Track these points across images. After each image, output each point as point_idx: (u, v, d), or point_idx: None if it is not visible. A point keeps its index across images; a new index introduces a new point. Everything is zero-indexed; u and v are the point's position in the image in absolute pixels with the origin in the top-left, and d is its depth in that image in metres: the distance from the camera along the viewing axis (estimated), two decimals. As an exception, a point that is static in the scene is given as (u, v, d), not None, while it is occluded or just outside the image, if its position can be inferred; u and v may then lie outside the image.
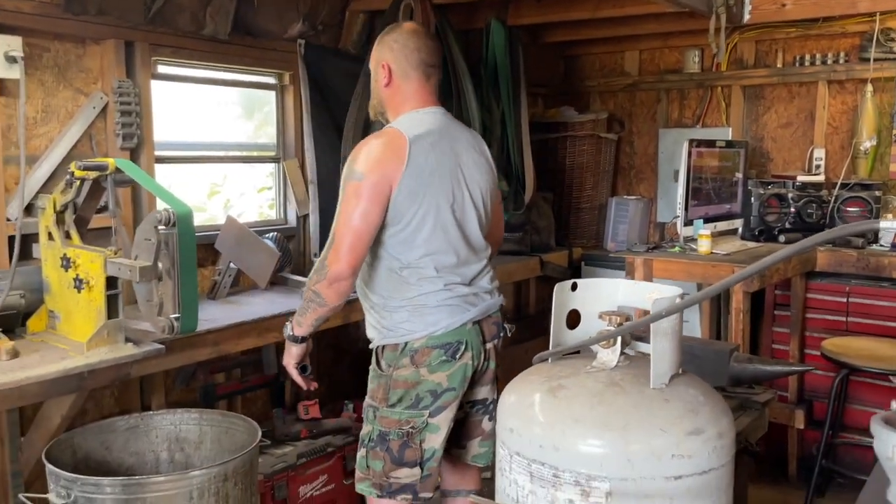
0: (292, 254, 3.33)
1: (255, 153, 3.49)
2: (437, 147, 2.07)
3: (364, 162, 2.02)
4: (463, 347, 2.08)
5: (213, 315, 2.63)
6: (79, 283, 2.11)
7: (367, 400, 2.17)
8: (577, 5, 3.61)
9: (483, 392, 2.23)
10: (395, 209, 2.02)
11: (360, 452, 2.17)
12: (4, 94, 2.43)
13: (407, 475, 2.08)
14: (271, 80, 3.40)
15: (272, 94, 3.44)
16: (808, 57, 3.98)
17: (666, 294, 1.41)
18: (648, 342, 1.49)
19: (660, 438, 1.30)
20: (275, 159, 3.47)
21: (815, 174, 3.90)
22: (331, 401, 3.36)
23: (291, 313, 2.75)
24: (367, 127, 3.32)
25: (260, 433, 2.24)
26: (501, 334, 2.22)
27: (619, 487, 1.26)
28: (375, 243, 2.08)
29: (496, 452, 1.52)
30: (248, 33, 3.11)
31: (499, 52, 3.69)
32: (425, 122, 2.10)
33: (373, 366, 2.17)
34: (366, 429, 2.16)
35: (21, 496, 2.00)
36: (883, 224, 0.89)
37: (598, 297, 1.59)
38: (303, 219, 3.48)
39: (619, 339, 1.44)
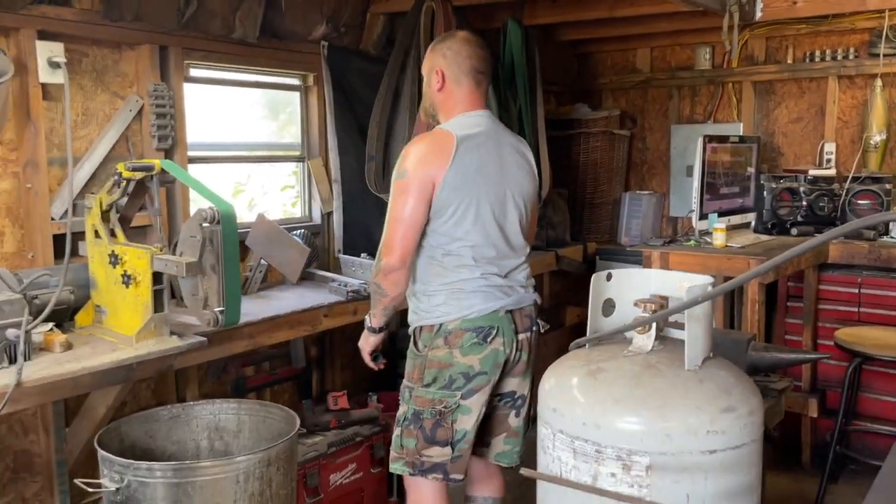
0: (318, 250, 3.43)
1: (280, 153, 3.58)
2: (483, 147, 2.19)
3: (410, 161, 2.16)
4: (494, 332, 2.18)
5: (246, 310, 2.71)
6: (126, 279, 2.20)
7: (404, 381, 2.29)
8: (593, 5, 3.69)
9: (512, 384, 2.30)
10: (439, 203, 2.14)
11: (396, 432, 2.28)
12: (47, 99, 2.52)
13: (438, 454, 2.19)
14: (296, 82, 3.49)
15: (296, 95, 3.53)
16: (818, 53, 4.05)
17: (697, 282, 1.50)
18: (678, 329, 1.58)
19: (695, 416, 1.39)
20: (299, 158, 3.56)
21: (826, 168, 3.98)
22: (355, 393, 3.46)
23: (321, 307, 2.89)
24: (391, 126, 3.42)
25: (298, 421, 2.33)
26: (534, 328, 2.31)
27: (658, 461, 1.35)
28: (424, 233, 2.21)
29: (538, 432, 1.62)
30: (274, 36, 3.20)
31: (515, 51, 3.77)
32: (474, 124, 2.23)
33: (410, 347, 2.29)
34: (402, 409, 2.27)
35: (77, 481, 2.09)
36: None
37: (632, 286, 1.68)
38: (327, 216, 3.57)
39: (654, 325, 1.53)
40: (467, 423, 2.19)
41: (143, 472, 2.05)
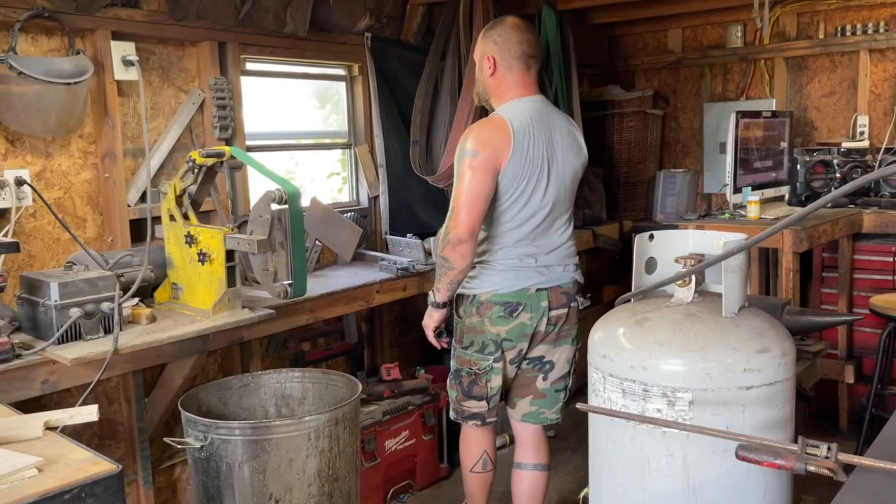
0: (367, 231, 3.62)
1: (328, 140, 3.77)
2: (536, 135, 2.32)
3: (476, 141, 2.27)
4: (521, 308, 2.37)
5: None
6: (202, 257, 2.40)
7: (454, 341, 2.53)
8: (625, -13, 3.80)
9: (540, 350, 2.48)
10: (499, 190, 2.28)
11: (448, 382, 2.60)
12: (121, 95, 2.73)
13: (475, 406, 2.48)
14: (342, 72, 3.67)
15: (342, 85, 3.71)
16: (848, 27, 4.11)
17: (732, 238, 1.64)
18: (715, 284, 1.73)
19: (733, 356, 1.54)
20: (346, 145, 3.75)
21: (859, 140, 4.05)
22: (403, 367, 3.65)
23: (374, 284, 3.08)
24: (433, 112, 3.58)
25: (360, 386, 2.52)
26: (572, 304, 2.45)
27: (699, 397, 1.50)
28: None
29: (589, 377, 1.78)
30: (322, 29, 3.38)
31: (550, 35, 3.90)
32: (526, 110, 2.34)
33: (454, 313, 2.52)
34: (451, 364, 2.56)
35: (167, 440, 2.31)
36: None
37: (672, 245, 1.83)
38: (373, 200, 3.75)
39: (694, 278, 1.68)
40: (498, 381, 2.45)
41: (224, 430, 2.25)
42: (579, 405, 1.37)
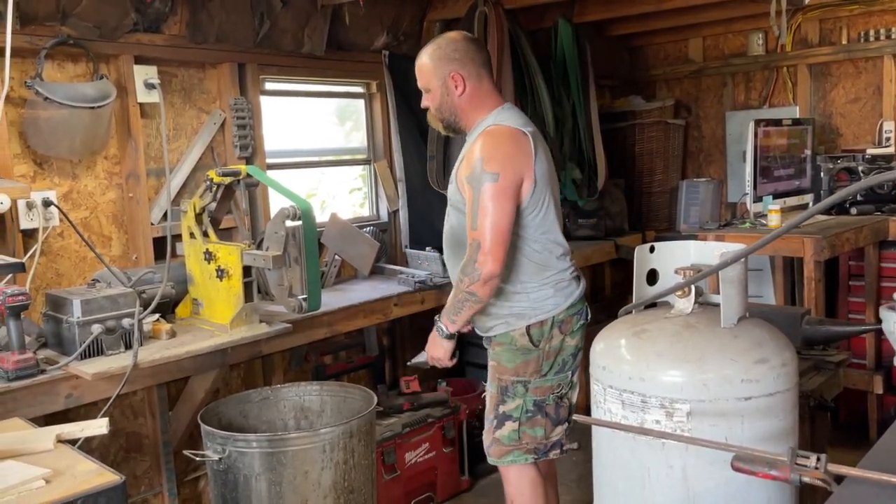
0: (386, 245, 3.66)
1: (348, 157, 3.83)
2: (543, 140, 2.24)
3: (500, 163, 2.07)
4: (586, 309, 2.26)
5: (324, 301, 2.92)
6: (220, 273, 2.46)
7: (511, 378, 2.22)
8: (641, -1, 3.81)
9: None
10: (534, 198, 2.13)
11: (511, 426, 2.22)
12: (144, 117, 2.82)
13: (559, 432, 2.23)
14: (360, 90, 3.73)
15: (361, 102, 3.77)
16: (872, 32, 4.06)
17: (731, 249, 1.64)
18: (716, 295, 1.73)
19: (731, 367, 1.54)
20: (366, 161, 3.81)
21: (885, 146, 3.99)
22: (425, 379, 3.67)
23: (392, 297, 3.11)
24: (450, 127, 3.61)
25: (376, 398, 2.55)
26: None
27: (697, 408, 1.50)
28: (514, 234, 2.14)
29: (591, 388, 1.78)
30: (339, 48, 3.45)
31: (567, 48, 3.93)
32: (518, 115, 2.25)
33: (516, 347, 2.22)
34: (513, 404, 2.22)
35: (186, 452, 2.36)
36: (903, 173, 1.10)
37: (673, 256, 1.83)
38: (393, 214, 3.80)
39: (693, 289, 1.68)
40: (576, 395, 2.26)
41: (241, 443, 2.30)
42: (576, 417, 1.38)
